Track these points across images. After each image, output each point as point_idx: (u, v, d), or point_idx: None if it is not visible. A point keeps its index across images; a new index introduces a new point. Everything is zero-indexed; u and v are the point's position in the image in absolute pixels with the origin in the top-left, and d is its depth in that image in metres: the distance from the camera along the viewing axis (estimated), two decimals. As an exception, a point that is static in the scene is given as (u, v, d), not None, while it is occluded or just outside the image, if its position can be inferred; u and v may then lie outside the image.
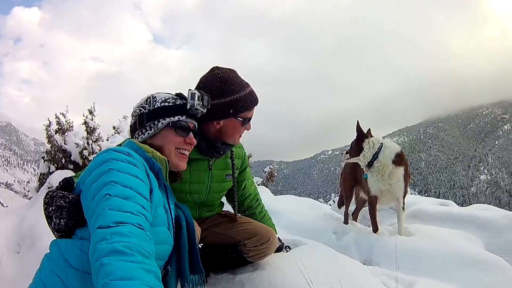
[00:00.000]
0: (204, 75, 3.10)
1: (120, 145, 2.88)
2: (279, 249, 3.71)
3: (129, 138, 2.58)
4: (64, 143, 8.28)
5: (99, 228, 1.71)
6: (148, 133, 2.49)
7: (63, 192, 2.12)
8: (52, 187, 6.90)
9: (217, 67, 3.12)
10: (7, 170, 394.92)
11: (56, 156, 8.29)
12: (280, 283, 3.15)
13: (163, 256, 2.28)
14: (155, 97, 2.57)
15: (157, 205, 2.15)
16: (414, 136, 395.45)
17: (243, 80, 3.11)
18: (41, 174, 8.42)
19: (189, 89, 2.64)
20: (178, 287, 2.49)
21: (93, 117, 8.86)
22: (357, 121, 5.36)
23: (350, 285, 3.03)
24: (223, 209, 3.64)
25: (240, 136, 3.15)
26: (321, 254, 3.77)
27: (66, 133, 8.51)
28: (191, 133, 2.58)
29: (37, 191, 7.77)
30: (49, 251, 2.12)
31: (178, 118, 2.52)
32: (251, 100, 3.05)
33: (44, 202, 2.12)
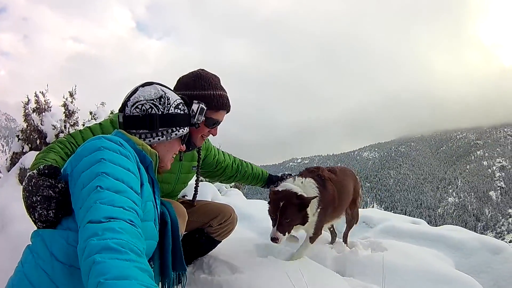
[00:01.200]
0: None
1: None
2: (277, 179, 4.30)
3: (118, 129, 2.41)
4: (41, 124, 8.12)
5: (90, 222, 1.66)
6: (159, 139, 2.41)
7: (51, 181, 2.03)
8: (24, 167, 6.77)
9: (202, 69, 3.29)
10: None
11: (31, 136, 8.11)
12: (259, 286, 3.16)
13: (149, 252, 2.23)
14: (169, 98, 2.44)
15: (146, 199, 2.11)
16: (385, 153, 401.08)
17: (221, 85, 3.27)
18: (14, 153, 8.23)
19: (198, 102, 2.60)
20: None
21: (73, 100, 8.71)
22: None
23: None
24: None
25: (203, 137, 3.28)
26: (299, 262, 3.86)
27: (43, 113, 8.34)
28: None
29: (8, 171, 7.59)
30: (30, 242, 2.02)
31: (187, 130, 2.53)
32: (219, 102, 3.20)
33: (26, 190, 2.03)
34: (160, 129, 2.38)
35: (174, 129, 2.43)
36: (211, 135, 3.33)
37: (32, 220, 2.05)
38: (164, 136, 2.40)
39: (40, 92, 8.55)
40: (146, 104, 2.37)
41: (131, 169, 1.97)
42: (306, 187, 3.88)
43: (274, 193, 3.77)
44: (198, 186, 3.71)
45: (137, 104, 2.37)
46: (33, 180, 2.03)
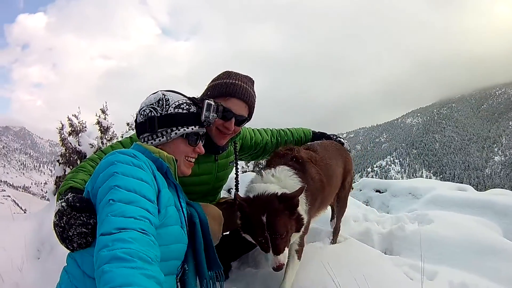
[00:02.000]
0: None
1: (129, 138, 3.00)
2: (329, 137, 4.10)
3: (136, 142, 2.52)
4: (78, 145, 8.30)
5: (102, 235, 1.73)
6: (160, 140, 2.48)
7: (83, 218, 2.07)
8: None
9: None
10: (23, 174, 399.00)
11: (71, 158, 8.30)
12: (302, 276, 3.13)
13: (179, 255, 2.29)
14: (168, 99, 2.52)
15: (167, 204, 2.16)
16: (428, 117, 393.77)
17: (242, 78, 3.18)
18: (57, 177, 8.45)
19: (206, 99, 2.63)
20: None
21: (106, 116, 8.88)
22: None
23: (372, 277, 3.00)
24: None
25: (221, 133, 3.12)
26: (343, 244, 3.78)
27: (79, 134, 8.53)
28: (199, 142, 2.60)
29: (54, 194, 7.82)
30: (66, 264, 2.17)
31: (192, 128, 2.52)
32: (229, 88, 3.08)
33: (58, 226, 2.09)
34: (159, 130, 2.48)
35: (174, 128, 2.48)
36: (227, 129, 3.09)
37: (70, 249, 2.12)
38: (164, 136, 2.48)
39: (73, 115, 8.73)
40: (147, 109, 2.52)
41: (144, 178, 2.03)
42: (282, 179, 3.00)
43: (246, 205, 2.78)
44: (239, 182, 3.69)
45: (141, 111, 2.55)
46: (64, 217, 2.08)
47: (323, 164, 3.40)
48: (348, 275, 2.96)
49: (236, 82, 3.12)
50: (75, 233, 2.05)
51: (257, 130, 3.93)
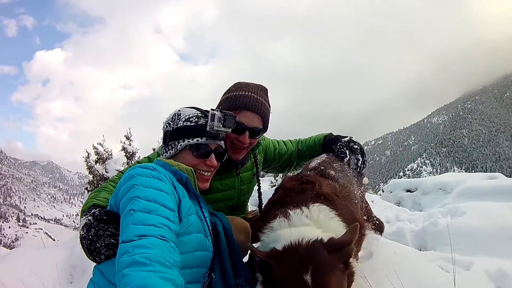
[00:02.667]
0: None
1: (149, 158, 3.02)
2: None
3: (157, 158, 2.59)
4: (106, 171, 8.42)
5: (122, 242, 1.79)
6: (170, 153, 2.57)
7: (111, 230, 2.16)
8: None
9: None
10: (54, 207, 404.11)
11: (99, 185, 8.42)
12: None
13: (203, 263, 2.31)
14: (180, 114, 2.60)
15: (188, 213, 2.21)
16: (454, 113, 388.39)
17: (254, 89, 3.10)
18: (85, 204, 8.57)
19: (211, 109, 2.62)
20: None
21: (130, 142, 9.02)
22: None
23: (406, 274, 2.96)
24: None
25: (236, 147, 3.04)
26: (374, 245, 3.71)
27: (106, 162, 8.66)
28: (212, 155, 2.58)
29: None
30: (92, 275, 2.27)
31: (197, 140, 2.53)
32: (240, 101, 3.01)
33: (86, 239, 2.16)
34: (169, 143, 2.57)
35: (180, 140, 2.53)
36: (241, 143, 3.00)
37: (97, 261, 2.19)
38: (173, 149, 2.56)
39: (98, 144, 8.88)
40: (164, 124, 2.66)
41: (163, 189, 2.08)
42: (322, 222, 2.24)
43: (274, 263, 1.93)
44: (261, 194, 3.60)
45: (163, 126, 2.68)
46: (93, 230, 2.15)
47: (346, 195, 2.80)
48: (381, 275, 2.93)
49: (247, 93, 3.06)
50: (103, 244, 2.12)
51: (282, 141, 3.86)
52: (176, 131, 2.54)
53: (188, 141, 2.52)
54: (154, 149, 9.58)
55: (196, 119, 2.56)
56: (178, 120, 2.56)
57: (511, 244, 3.82)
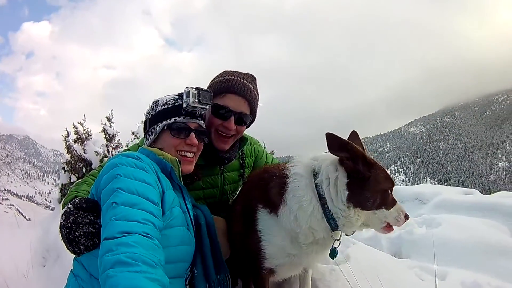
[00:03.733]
0: None
1: (128, 148, 2.92)
2: None
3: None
4: (84, 152, 8.30)
5: (105, 239, 1.73)
6: (150, 139, 2.52)
7: (90, 217, 2.09)
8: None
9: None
10: (27, 183, 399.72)
11: (77, 166, 8.30)
12: (316, 279, 3.12)
13: (186, 257, 2.27)
14: (158, 101, 2.58)
15: (172, 206, 2.15)
16: (431, 126, 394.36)
17: (240, 75, 2.98)
18: (62, 184, 8.44)
19: (186, 87, 2.53)
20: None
21: (111, 124, 8.87)
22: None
23: (385, 278, 2.98)
24: None
25: (220, 134, 2.92)
26: (352, 248, 3.73)
27: (85, 142, 8.52)
28: (192, 133, 2.51)
29: (59, 202, 7.82)
30: (73, 267, 2.20)
31: (175, 119, 2.48)
32: (224, 85, 2.90)
33: (65, 227, 2.08)
34: (149, 129, 2.53)
35: (159, 123, 2.49)
36: (227, 129, 2.87)
37: (76, 252, 2.09)
38: (152, 133, 2.51)
39: (78, 123, 8.74)
40: (145, 114, 2.62)
41: (147, 180, 2.02)
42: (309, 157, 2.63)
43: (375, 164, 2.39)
44: None
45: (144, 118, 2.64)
46: (71, 217, 2.07)
47: None
48: (360, 277, 2.95)
49: (233, 78, 2.94)
50: (82, 233, 2.04)
51: (273, 158, 3.69)
52: (155, 116, 2.52)
53: (166, 122, 2.47)
54: (133, 132, 9.50)
55: (173, 102, 2.53)
56: (156, 107, 2.54)
57: (486, 258, 3.85)
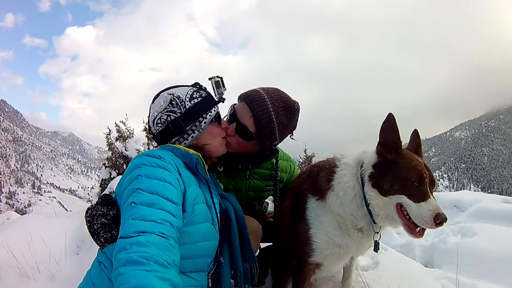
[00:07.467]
0: None
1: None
2: None
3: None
4: (125, 150, 8.49)
5: (121, 237, 1.78)
6: (192, 137, 2.48)
7: (102, 210, 2.19)
8: (113, 191, 7.15)
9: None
10: (71, 178, 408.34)
11: (117, 162, 8.51)
12: (338, 284, 3.13)
13: (208, 253, 2.30)
14: (179, 96, 2.47)
15: (194, 203, 2.18)
16: (476, 130, 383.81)
17: (275, 91, 2.93)
18: (102, 179, 8.67)
19: (211, 78, 2.59)
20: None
21: (154, 123, 9.05)
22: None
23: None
24: None
25: (225, 140, 2.80)
26: (382, 255, 3.71)
27: (127, 140, 8.72)
28: (223, 119, 2.64)
29: (98, 196, 8.03)
30: (97, 254, 2.29)
31: (214, 110, 2.53)
32: (247, 92, 2.91)
33: (86, 221, 2.20)
34: (187, 127, 2.45)
35: (201, 118, 2.47)
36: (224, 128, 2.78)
37: (99, 244, 2.21)
38: (195, 130, 2.47)
39: (120, 122, 8.95)
40: (162, 115, 2.45)
41: (168, 179, 2.04)
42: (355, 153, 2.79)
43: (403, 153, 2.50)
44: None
45: (155, 120, 2.48)
46: (89, 211, 2.21)
47: None
48: (383, 285, 2.95)
49: (257, 89, 2.91)
50: (98, 225, 2.15)
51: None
52: (190, 113, 2.45)
53: (211, 114, 2.50)
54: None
55: (197, 94, 2.50)
56: (183, 103, 2.45)
57: None
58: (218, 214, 2.37)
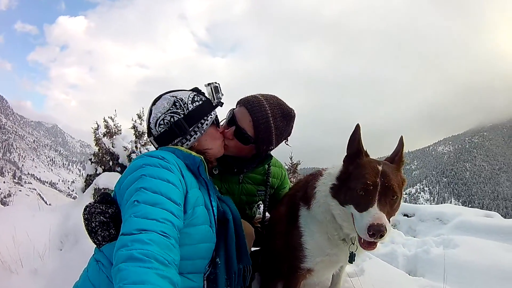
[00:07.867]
0: None
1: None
2: None
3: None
4: (112, 146, 8.46)
5: (122, 234, 1.81)
6: (195, 138, 2.54)
7: (101, 207, 2.20)
8: (98, 187, 7.13)
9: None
10: (52, 170, 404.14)
11: (104, 159, 8.47)
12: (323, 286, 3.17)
13: (205, 255, 2.34)
14: (182, 99, 2.53)
15: (195, 205, 2.23)
16: (460, 145, 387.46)
17: (273, 98, 3.06)
18: (87, 175, 8.62)
19: (209, 84, 2.66)
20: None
21: (142, 121, 9.01)
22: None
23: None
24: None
25: (223, 143, 2.88)
26: (367, 262, 3.77)
27: (114, 137, 8.69)
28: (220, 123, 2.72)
29: (83, 192, 7.99)
30: (94, 253, 2.30)
31: (214, 113, 2.63)
32: (246, 97, 3.04)
33: (84, 218, 2.21)
34: (190, 128, 2.51)
35: (202, 120, 2.55)
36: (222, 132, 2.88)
37: (96, 243, 2.22)
38: (198, 132, 2.54)
39: (109, 117, 8.92)
40: (166, 116, 2.50)
41: (171, 180, 2.09)
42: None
43: (362, 155, 2.56)
44: (266, 211, 3.49)
45: (158, 121, 2.52)
46: (87, 208, 2.22)
47: None
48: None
49: (256, 95, 3.03)
50: (96, 222, 2.16)
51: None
52: (192, 115, 2.51)
53: (211, 117, 2.58)
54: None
55: (198, 98, 2.58)
56: (185, 105, 2.51)
57: (499, 284, 3.79)
58: (216, 217, 2.40)
